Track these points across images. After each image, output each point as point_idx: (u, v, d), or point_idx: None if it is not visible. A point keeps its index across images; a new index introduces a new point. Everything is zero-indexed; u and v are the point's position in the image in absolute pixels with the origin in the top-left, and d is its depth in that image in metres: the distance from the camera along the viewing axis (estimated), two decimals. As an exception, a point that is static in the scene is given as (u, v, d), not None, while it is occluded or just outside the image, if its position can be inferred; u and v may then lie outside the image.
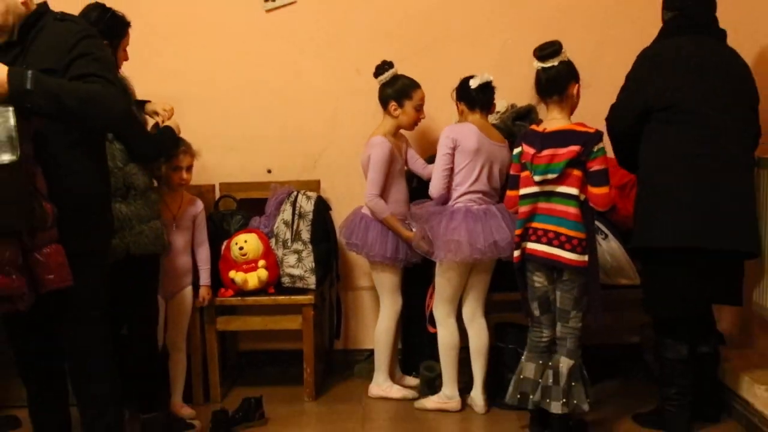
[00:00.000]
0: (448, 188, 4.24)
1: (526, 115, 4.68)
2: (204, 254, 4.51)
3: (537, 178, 3.81)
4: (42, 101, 2.86)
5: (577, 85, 3.88)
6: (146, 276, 4.07)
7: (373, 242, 4.46)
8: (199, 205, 4.49)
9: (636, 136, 3.93)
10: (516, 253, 3.93)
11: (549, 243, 3.83)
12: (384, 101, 4.47)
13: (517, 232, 3.91)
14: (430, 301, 4.58)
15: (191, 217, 4.44)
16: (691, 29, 3.92)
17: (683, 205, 3.75)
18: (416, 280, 4.68)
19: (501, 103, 4.78)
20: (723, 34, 3.97)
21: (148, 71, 4.34)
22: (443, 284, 4.34)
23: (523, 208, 3.89)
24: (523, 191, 3.92)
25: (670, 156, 3.82)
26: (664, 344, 3.99)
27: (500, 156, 4.30)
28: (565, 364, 3.89)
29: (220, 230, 4.75)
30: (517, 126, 4.60)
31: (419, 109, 4.48)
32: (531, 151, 3.84)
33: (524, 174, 3.91)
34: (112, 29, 3.89)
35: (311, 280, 4.65)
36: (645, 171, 3.94)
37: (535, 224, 3.88)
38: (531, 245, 3.89)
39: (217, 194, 5.08)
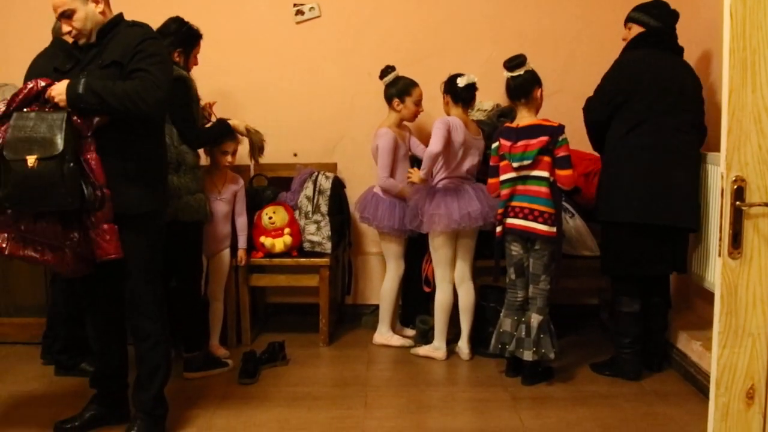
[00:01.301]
0: (437, 176, 4.15)
1: (509, 113, 4.53)
2: (243, 223, 4.44)
3: (515, 164, 3.81)
4: (91, 101, 2.91)
5: (540, 89, 3.88)
6: (191, 239, 4.01)
7: (382, 216, 4.37)
8: (240, 182, 4.41)
9: (605, 124, 3.91)
10: (498, 229, 3.95)
11: (525, 218, 3.84)
12: (388, 98, 4.39)
13: (499, 211, 3.92)
14: (426, 266, 4.52)
15: (233, 192, 4.36)
16: (652, 44, 3.86)
17: (637, 188, 3.76)
18: (416, 249, 4.60)
19: (488, 103, 4.78)
20: (680, 49, 3.92)
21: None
22: (436, 251, 4.26)
23: (504, 191, 3.90)
24: (503, 177, 3.91)
25: (627, 147, 3.80)
26: (621, 300, 3.98)
27: (477, 146, 4.24)
28: (535, 319, 3.89)
29: (253, 202, 4.67)
30: (501, 122, 4.46)
31: (418, 104, 4.39)
32: (507, 143, 3.84)
33: (503, 163, 3.91)
34: (186, 39, 3.94)
35: (328, 246, 4.60)
36: (608, 158, 3.93)
37: (513, 203, 3.89)
38: (510, 220, 3.90)
39: (252, 173, 4.99)
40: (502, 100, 4.61)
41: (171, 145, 3.75)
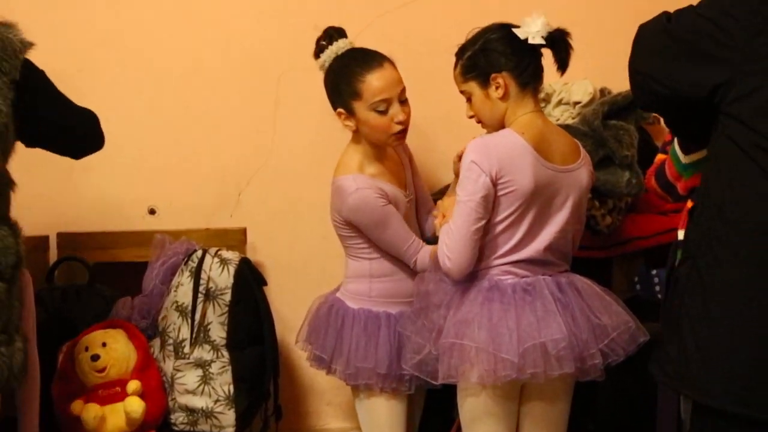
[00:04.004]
0: (477, 259, 3.75)
1: (628, 108, 4.25)
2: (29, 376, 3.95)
3: None
4: None
5: None
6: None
7: (353, 349, 3.98)
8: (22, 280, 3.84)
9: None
10: None
11: None
12: (333, 108, 4.10)
13: None
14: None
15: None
16: None
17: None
18: (433, 413, 4.30)
19: (581, 88, 4.45)
20: None
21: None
22: (472, 429, 3.83)
23: None
24: None
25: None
26: None
27: (574, 186, 3.76)
28: None
29: (56, 322, 4.28)
30: (612, 128, 4.18)
31: (384, 107, 3.93)
32: None
33: None
34: None
35: (227, 419, 4.24)
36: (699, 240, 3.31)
37: None
38: None
39: (53, 255, 4.63)
40: (611, 81, 4.43)
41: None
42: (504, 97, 3.70)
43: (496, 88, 3.67)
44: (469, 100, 3.79)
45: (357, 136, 4.08)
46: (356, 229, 4.05)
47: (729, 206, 3.18)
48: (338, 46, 4.04)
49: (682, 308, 3.25)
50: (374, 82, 3.94)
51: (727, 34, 3.06)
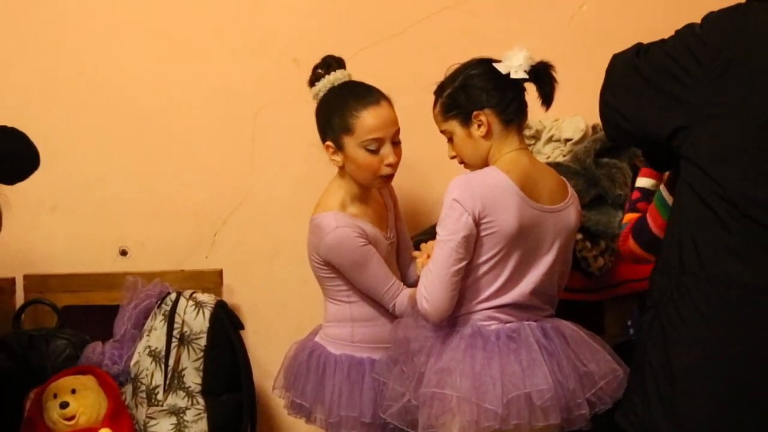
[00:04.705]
0: (459, 303, 3.67)
1: (621, 145, 4.18)
2: None
3: None
4: None
5: None
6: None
7: (335, 396, 3.88)
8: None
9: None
10: None
11: None
12: (322, 140, 4.02)
13: None
14: None
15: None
16: None
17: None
18: None
19: (572, 126, 4.42)
20: None
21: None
22: None
23: None
24: None
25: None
26: None
27: (559, 230, 3.68)
28: None
29: (23, 368, 4.22)
30: (604, 166, 4.13)
31: (376, 147, 3.88)
32: None
33: None
34: None
35: None
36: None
37: None
38: None
39: (20, 297, 4.55)
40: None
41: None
42: (487, 136, 3.64)
43: (479, 126, 3.62)
44: (450, 139, 3.73)
45: (343, 172, 4.02)
46: (335, 270, 3.98)
47: (689, 257, 3.13)
48: (335, 77, 3.98)
49: (645, 360, 3.23)
50: (368, 119, 3.87)
51: (689, 76, 3.04)
